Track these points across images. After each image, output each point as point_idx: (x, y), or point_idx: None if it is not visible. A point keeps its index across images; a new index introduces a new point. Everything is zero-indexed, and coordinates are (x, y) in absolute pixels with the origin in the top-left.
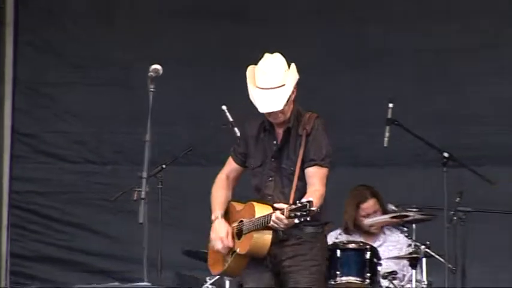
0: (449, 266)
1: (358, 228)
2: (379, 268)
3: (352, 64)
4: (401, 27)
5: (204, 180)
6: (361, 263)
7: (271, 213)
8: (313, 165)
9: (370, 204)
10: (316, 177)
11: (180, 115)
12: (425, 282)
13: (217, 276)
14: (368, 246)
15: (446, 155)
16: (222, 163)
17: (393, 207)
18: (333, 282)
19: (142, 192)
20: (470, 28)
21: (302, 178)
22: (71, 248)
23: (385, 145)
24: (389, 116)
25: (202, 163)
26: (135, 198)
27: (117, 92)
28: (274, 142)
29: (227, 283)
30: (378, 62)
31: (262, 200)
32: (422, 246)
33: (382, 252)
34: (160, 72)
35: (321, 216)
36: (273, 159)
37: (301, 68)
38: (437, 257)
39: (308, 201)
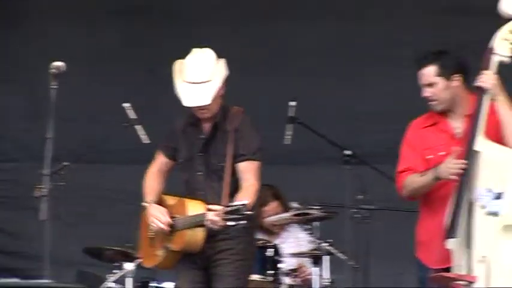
0: (352, 263)
1: (260, 227)
2: (280, 265)
3: (256, 62)
4: (306, 23)
5: (108, 177)
6: (263, 261)
7: (205, 213)
8: (245, 160)
9: (272, 207)
10: (249, 172)
11: (82, 112)
12: (328, 280)
13: (120, 274)
14: (270, 244)
15: (347, 152)
16: (126, 161)
17: (296, 205)
18: None
19: (44, 189)
20: (371, 25)
21: (233, 174)
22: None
23: (287, 143)
24: (291, 114)
25: (106, 160)
26: (37, 195)
27: (18, 89)
28: (201, 136)
29: (129, 281)
30: (282, 60)
31: (194, 196)
32: (325, 244)
33: (284, 249)
34: (62, 69)
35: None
36: (200, 154)
37: None
38: (339, 254)
39: (243, 204)
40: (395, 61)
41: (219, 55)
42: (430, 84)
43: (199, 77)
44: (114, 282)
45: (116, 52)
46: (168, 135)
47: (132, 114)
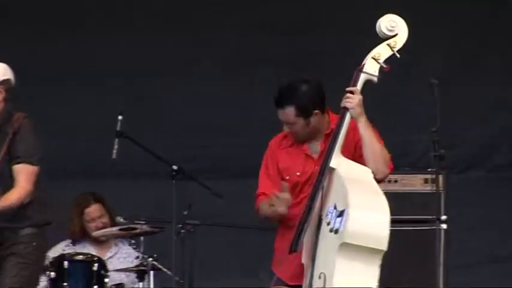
0: (177, 278)
1: (88, 237)
2: (106, 280)
3: (81, 75)
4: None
5: None
6: (89, 275)
7: None
8: (20, 163)
9: (94, 208)
10: (21, 175)
11: None
12: None
13: None
14: (96, 258)
15: (175, 167)
16: None
17: (122, 220)
18: None
19: None
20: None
21: (4, 175)
22: None
23: (114, 157)
24: (118, 128)
25: None
26: None
27: None
28: None
29: None
30: (109, 74)
31: None
32: (150, 259)
33: (114, 263)
34: None
35: (37, 217)
36: None
37: None
38: (164, 269)
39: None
40: (227, 76)
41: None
42: (291, 123)
43: None
44: None
45: None
46: None
47: None
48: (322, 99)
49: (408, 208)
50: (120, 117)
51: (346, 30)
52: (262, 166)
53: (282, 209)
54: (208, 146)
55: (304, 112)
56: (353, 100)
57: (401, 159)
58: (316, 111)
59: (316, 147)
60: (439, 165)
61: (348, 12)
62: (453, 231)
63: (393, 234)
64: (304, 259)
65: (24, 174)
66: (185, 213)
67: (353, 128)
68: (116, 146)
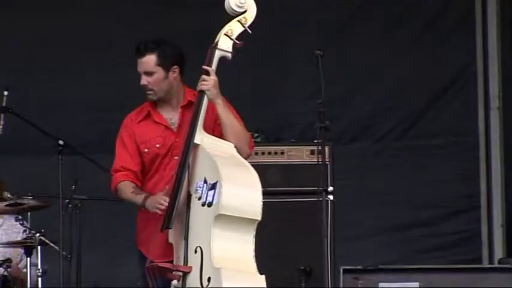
0: (64, 253)
1: None
2: None
3: None
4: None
5: None
6: None
7: None
8: None
9: None
10: None
11: None
12: (40, 270)
13: None
14: None
15: (61, 142)
16: None
17: (9, 195)
18: None
19: None
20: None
21: None
22: None
23: (0, 133)
24: (4, 103)
25: None
26: None
27: None
28: None
29: None
30: None
31: None
32: (37, 234)
33: None
34: None
35: None
36: None
37: None
38: (51, 244)
39: None
40: (110, 51)
41: None
42: (149, 73)
43: None
44: None
45: None
46: None
47: None
48: (183, 61)
49: (295, 180)
50: (5, 93)
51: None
52: (118, 142)
53: (156, 211)
54: (94, 121)
55: (165, 63)
56: (208, 82)
57: (288, 131)
58: (176, 68)
59: (173, 119)
60: (325, 136)
61: None
62: (339, 203)
63: (280, 206)
64: (172, 238)
65: None
66: (72, 188)
67: (212, 106)
68: (1, 122)
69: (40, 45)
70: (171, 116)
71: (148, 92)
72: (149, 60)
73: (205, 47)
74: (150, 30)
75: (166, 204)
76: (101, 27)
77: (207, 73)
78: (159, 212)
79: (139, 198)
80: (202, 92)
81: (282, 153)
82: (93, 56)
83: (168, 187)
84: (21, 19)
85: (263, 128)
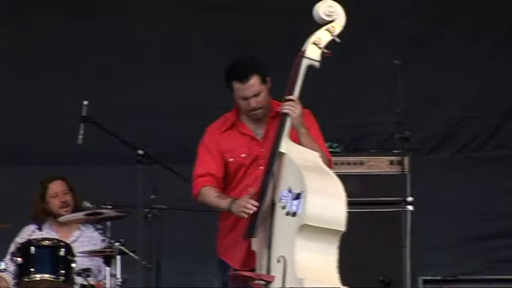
0: (144, 262)
1: (50, 217)
2: (73, 265)
3: (50, 61)
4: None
5: None
6: (55, 260)
7: None
8: None
9: (57, 183)
10: None
11: None
12: (120, 279)
13: None
14: (62, 243)
15: (141, 152)
16: None
17: (88, 204)
18: (27, 279)
19: None
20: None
21: None
22: None
23: (80, 142)
24: (84, 113)
25: None
26: None
27: None
28: None
29: None
30: (75, 59)
31: None
32: (117, 243)
33: (77, 247)
34: None
35: None
36: None
37: None
38: (131, 254)
39: None
40: (191, 61)
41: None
42: (257, 94)
43: None
44: None
45: None
46: None
47: None
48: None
49: (374, 190)
50: (85, 103)
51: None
52: (202, 148)
53: (242, 215)
54: (173, 130)
55: (264, 79)
56: (296, 109)
57: (367, 141)
58: (268, 79)
59: (259, 130)
60: (404, 146)
61: None
62: (418, 213)
63: (359, 217)
64: (255, 246)
65: None
66: (152, 197)
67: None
68: (81, 131)
69: (120, 55)
70: (257, 126)
71: (257, 112)
72: (255, 82)
73: (290, 55)
74: (233, 40)
75: (254, 208)
76: (181, 37)
77: (290, 94)
78: (245, 215)
79: (224, 203)
80: (286, 116)
81: (362, 163)
82: (173, 66)
83: (254, 190)
84: (101, 28)
85: (342, 138)
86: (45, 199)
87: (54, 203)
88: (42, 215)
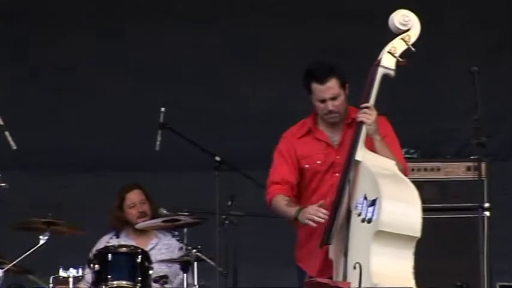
0: (220, 269)
1: (128, 226)
2: (150, 272)
3: (127, 67)
4: (175, 29)
5: None
6: (133, 267)
7: None
8: None
9: (135, 193)
10: None
11: None
12: (197, 286)
13: None
14: (139, 250)
15: (218, 158)
16: None
17: (165, 211)
18: (104, 286)
19: None
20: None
21: None
22: None
23: (157, 149)
24: (161, 120)
25: None
26: None
27: None
28: None
29: None
30: (153, 65)
31: None
32: (194, 250)
33: (155, 255)
34: None
35: None
36: None
37: None
38: (208, 260)
39: None
40: (267, 67)
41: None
42: (335, 98)
43: None
44: None
45: None
46: None
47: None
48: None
49: (451, 196)
50: (162, 109)
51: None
52: (277, 154)
53: (309, 223)
54: (250, 137)
55: (343, 83)
56: (371, 117)
57: (444, 147)
58: (347, 85)
59: (336, 136)
60: (482, 152)
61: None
62: (495, 219)
63: (436, 223)
64: (332, 254)
65: None
66: (229, 204)
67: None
68: (159, 138)
69: (197, 61)
70: (333, 133)
71: (333, 116)
72: (334, 85)
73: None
74: (313, 46)
75: (322, 216)
76: (259, 41)
77: (366, 102)
78: (312, 224)
79: (291, 211)
80: (361, 124)
81: (439, 169)
82: (249, 72)
83: (324, 201)
84: (177, 33)
85: (419, 144)
86: (123, 209)
87: (131, 213)
88: (120, 224)
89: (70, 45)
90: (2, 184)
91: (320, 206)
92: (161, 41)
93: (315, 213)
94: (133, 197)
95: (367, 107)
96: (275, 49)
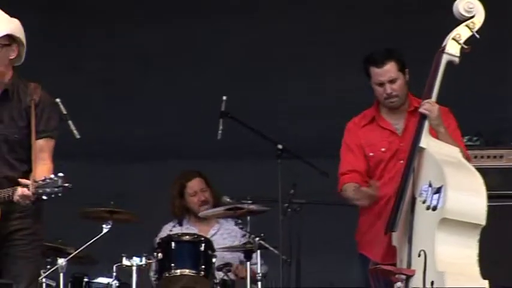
0: (284, 257)
1: (190, 213)
2: (213, 260)
3: (188, 57)
4: (234, 20)
5: None
6: (196, 255)
7: (13, 188)
8: (44, 137)
9: (196, 181)
10: (46, 152)
11: None
12: (260, 274)
13: (52, 269)
14: (203, 238)
15: (280, 146)
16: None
17: (228, 199)
18: (167, 274)
19: None
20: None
21: (29, 148)
22: None
23: (219, 138)
24: (222, 108)
25: None
26: None
27: None
28: None
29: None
30: (213, 55)
31: None
32: (257, 238)
33: (217, 240)
34: None
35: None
36: None
37: None
38: (271, 248)
39: (60, 176)
40: (324, 56)
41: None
42: (393, 81)
43: None
44: (46, 277)
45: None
46: None
47: (63, 109)
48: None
49: None
50: (224, 98)
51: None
52: (343, 146)
53: (363, 202)
54: (313, 124)
55: (402, 68)
56: (434, 109)
57: (507, 134)
58: (407, 70)
59: (399, 124)
60: None
61: None
62: None
63: (499, 210)
64: (396, 241)
65: (48, 151)
66: (291, 192)
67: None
68: (220, 127)
69: (257, 50)
70: (396, 121)
71: (393, 100)
72: (391, 68)
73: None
74: (377, 38)
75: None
76: (322, 35)
77: (430, 89)
78: (365, 203)
79: (351, 193)
80: (424, 117)
81: (501, 156)
82: (310, 61)
83: (377, 182)
84: (235, 25)
85: (482, 131)
86: (184, 197)
87: (193, 201)
88: (182, 212)
89: (131, 36)
90: (66, 184)
91: (372, 185)
92: (223, 29)
93: (363, 195)
94: (194, 185)
95: (429, 102)
96: (337, 42)
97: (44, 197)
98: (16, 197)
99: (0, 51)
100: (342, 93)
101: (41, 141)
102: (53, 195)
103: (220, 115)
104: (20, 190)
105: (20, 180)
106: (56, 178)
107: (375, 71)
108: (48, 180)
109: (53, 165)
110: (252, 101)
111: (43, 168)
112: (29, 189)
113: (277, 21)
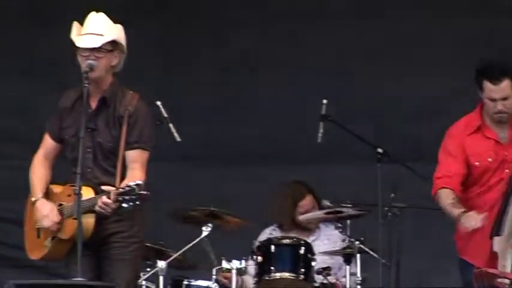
0: (384, 261)
1: (295, 225)
2: (313, 263)
3: (289, 60)
4: (335, 22)
5: None
6: (296, 259)
7: (96, 197)
8: (136, 148)
9: (307, 201)
10: (138, 162)
11: None
12: (360, 278)
13: (152, 272)
14: (302, 242)
15: (380, 150)
16: (156, 158)
17: (328, 203)
18: (267, 278)
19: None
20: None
21: (123, 159)
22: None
23: (319, 141)
24: (323, 112)
25: None
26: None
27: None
28: (89, 111)
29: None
30: (314, 58)
31: (81, 173)
32: (357, 242)
33: (317, 246)
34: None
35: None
36: (88, 130)
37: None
38: (371, 252)
39: (136, 184)
40: (425, 60)
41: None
42: (505, 98)
43: (93, 29)
44: (146, 280)
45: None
46: (53, 115)
47: (164, 113)
48: None
49: None
50: (324, 101)
51: None
52: (443, 151)
53: (465, 227)
54: (413, 129)
55: None
56: None
57: None
58: None
59: (503, 133)
60: None
61: None
62: None
63: None
64: (497, 246)
65: (140, 162)
66: (391, 196)
67: None
68: (321, 130)
69: (357, 54)
70: (501, 130)
71: (502, 115)
72: (506, 86)
73: None
74: (474, 42)
75: (473, 225)
76: (417, 36)
77: None
78: (469, 229)
79: (455, 212)
80: None
81: None
82: (408, 64)
83: (488, 213)
84: (336, 27)
85: None
86: (294, 214)
87: (298, 219)
88: (290, 224)
89: (235, 43)
90: (144, 192)
91: (483, 217)
92: (321, 33)
93: (471, 220)
94: (306, 204)
95: None
96: (429, 44)
97: (124, 205)
98: (97, 208)
99: (104, 56)
100: (438, 96)
101: (133, 152)
102: (131, 203)
103: (321, 118)
104: (100, 200)
105: (103, 187)
106: (134, 186)
107: (489, 86)
108: (127, 188)
109: (144, 176)
110: (352, 103)
111: (130, 178)
112: (109, 197)
113: (374, 24)
